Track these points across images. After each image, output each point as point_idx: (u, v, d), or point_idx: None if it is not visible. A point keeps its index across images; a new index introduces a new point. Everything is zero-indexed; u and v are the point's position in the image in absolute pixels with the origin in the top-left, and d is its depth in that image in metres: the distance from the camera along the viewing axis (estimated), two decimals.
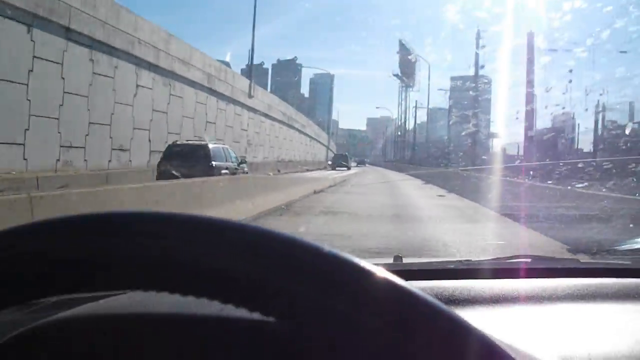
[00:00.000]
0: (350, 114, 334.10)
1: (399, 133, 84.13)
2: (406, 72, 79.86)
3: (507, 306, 1.11)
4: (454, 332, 0.40)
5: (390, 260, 1.44)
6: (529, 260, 1.49)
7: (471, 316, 1.01)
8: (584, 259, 3.10)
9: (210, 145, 13.74)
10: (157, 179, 13.13)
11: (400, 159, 72.07)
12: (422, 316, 0.40)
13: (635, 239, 5.97)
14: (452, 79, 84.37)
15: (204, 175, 12.68)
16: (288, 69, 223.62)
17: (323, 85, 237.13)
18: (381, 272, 0.40)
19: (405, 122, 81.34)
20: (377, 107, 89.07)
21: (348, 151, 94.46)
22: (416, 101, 69.32)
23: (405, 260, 1.47)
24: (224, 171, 13.37)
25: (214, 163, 13.10)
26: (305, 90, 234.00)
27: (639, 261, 2.40)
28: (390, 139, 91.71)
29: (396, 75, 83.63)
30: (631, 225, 7.09)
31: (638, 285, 1.24)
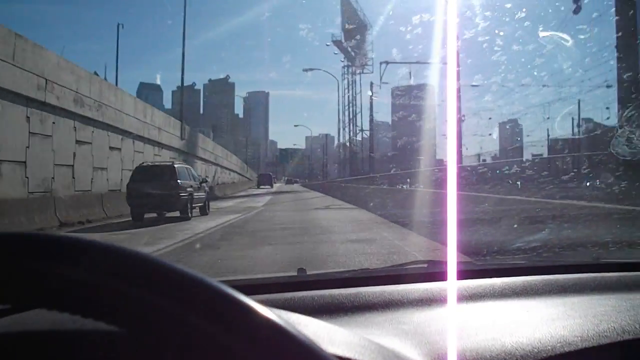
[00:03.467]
0: (291, 134, 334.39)
1: (340, 150, 62.81)
2: (352, 40, 51.07)
3: (400, 310, 1.15)
4: (270, 332, 0.45)
5: (295, 273, 1.52)
6: (425, 265, 1.53)
7: (363, 321, 1.10)
8: (478, 260, 3.35)
9: (176, 165, 15.46)
10: (127, 199, 14.34)
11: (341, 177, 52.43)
12: (240, 316, 0.45)
13: (523, 239, 6.39)
14: (394, 90, 67.02)
15: (170, 191, 14.03)
16: (220, 89, 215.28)
17: (257, 104, 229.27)
18: (209, 282, 0.46)
19: (351, 120, 55.65)
20: (304, 70, 61.13)
21: (284, 170, 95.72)
22: (371, 83, 43.33)
23: (309, 272, 1.55)
24: (189, 188, 14.91)
25: (179, 181, 14.54)
26: (239, 109, 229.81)
27: (533, 260, 2.68)
28: (332, 156, 74.18)
29: (335, 42, 51.70)
30: (515, 226, 7.38)
31: (528, 282, 1.31)
